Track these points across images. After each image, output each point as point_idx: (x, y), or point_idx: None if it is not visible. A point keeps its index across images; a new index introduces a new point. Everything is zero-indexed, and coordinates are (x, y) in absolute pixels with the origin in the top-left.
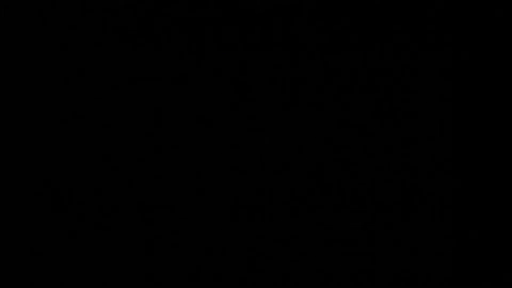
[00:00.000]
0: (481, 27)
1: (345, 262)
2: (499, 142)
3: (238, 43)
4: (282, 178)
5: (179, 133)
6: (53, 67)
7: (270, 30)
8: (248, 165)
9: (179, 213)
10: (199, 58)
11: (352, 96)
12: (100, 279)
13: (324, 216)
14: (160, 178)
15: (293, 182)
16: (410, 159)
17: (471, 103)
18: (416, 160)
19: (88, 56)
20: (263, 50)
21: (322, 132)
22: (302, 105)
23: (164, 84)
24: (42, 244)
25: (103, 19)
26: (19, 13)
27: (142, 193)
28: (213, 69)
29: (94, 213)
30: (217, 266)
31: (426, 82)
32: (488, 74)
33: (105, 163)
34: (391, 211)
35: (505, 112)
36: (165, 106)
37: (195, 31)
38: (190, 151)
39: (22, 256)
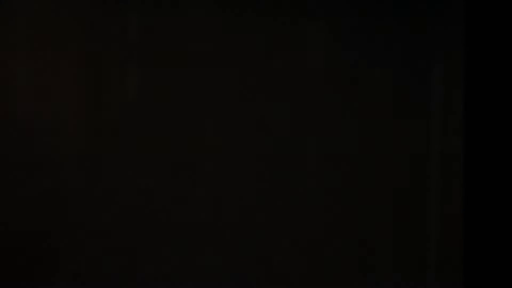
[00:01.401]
0: (492, 28)
1: (349, 260)
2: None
3: None
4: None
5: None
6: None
7: None
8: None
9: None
10: None
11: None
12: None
13: (329, 215)
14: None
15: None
16: (419, 159)
17: (481, 105)
18: (426, 160)
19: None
20: None
21: (333, 130)
22: (312, 104)
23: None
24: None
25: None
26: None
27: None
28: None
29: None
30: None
31: (436, 82)
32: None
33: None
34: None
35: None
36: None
37: None
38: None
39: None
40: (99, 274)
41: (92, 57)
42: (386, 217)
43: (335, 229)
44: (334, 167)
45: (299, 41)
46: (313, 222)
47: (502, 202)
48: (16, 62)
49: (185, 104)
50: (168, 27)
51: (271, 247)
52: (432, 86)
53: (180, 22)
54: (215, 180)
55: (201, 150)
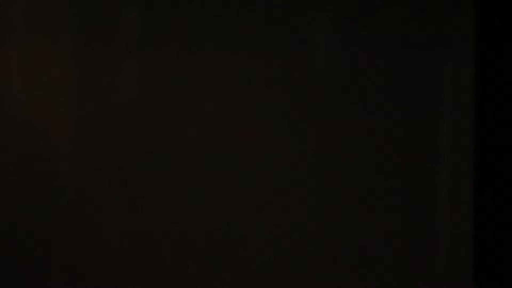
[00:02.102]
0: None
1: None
2: None
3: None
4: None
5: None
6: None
7: None
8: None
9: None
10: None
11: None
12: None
13: (342, 216)
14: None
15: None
16: (429, 161)
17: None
18: (436, 162)
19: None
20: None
21: (350, 133)
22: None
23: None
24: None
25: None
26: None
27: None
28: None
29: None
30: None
31: (446, 83)
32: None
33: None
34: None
35: None
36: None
37: None
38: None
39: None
40: (93, 275)
41: (90, 51)
42: (393, 219)
43: (336, 230)
44: (338, 167)
45: (303, 40)
46: (316, 223)
47: None
48: (10, 57)
49: (185, 102)
50: (168, 23)
51: (273, 248)
52: (441, 86)
53: (181, 18)
54: (213, 178)
55: (200, 150)
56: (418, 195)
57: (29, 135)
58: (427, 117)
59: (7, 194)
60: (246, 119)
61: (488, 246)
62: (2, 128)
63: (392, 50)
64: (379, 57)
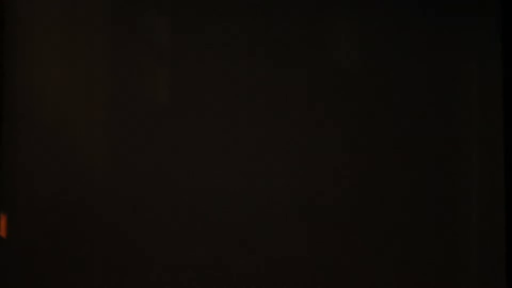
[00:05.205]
0: None
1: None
2: None
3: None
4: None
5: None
6: None
7: None
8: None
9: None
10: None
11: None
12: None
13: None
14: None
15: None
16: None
17: None
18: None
19: None
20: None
21: (378, 131)
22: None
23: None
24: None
25: None
26: None
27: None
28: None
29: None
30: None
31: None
32: None
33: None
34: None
35: None
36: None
37: None
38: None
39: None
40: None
41: (121, 58)
42: (419, 224)
43: (366, 232)
44: (363, 167)
45: (326, 40)
46: (332, 228)
47: None
48: (43, 63)
49: (215, 106)
50: (198, 29)
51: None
52: (467, 86)
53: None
54: (232, 180)
55: (233, 152)
56: (450, 198)
57: (63, 139)
58: (456, 118)
59: (43, 196)
60: (272, 120)
61: None
62: (38, 132)
63: (418, 51)
64: (404, 58)
